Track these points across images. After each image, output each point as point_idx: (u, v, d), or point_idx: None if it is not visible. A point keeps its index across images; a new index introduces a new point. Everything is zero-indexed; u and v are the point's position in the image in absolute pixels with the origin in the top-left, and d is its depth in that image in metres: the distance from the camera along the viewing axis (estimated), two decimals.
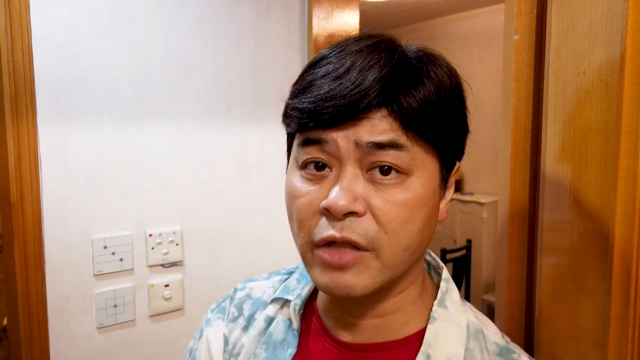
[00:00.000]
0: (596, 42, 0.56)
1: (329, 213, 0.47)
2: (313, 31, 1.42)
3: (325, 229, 0.48)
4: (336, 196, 0.46)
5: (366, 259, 0.48)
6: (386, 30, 0.53)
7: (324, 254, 0.48)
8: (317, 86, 0.48)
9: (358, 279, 0.48)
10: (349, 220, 0.47)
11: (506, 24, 0.72)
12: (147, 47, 1.22)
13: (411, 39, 0.53)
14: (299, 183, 0.51)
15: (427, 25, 4.43)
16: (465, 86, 0.53)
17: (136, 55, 1.20)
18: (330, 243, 0.48)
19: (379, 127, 0.47)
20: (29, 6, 1.05)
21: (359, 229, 0.47)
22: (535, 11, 0.69)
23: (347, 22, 1.46)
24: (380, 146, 0.47)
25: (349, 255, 0.47)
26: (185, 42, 1.27)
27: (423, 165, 0.49)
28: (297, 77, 0.53)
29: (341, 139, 0.47)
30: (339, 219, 0.47)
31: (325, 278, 0.49)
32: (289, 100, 0.52)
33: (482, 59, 3.96)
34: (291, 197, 0.51)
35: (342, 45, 0.50)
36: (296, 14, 1.45)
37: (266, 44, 1.40)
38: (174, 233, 1.28)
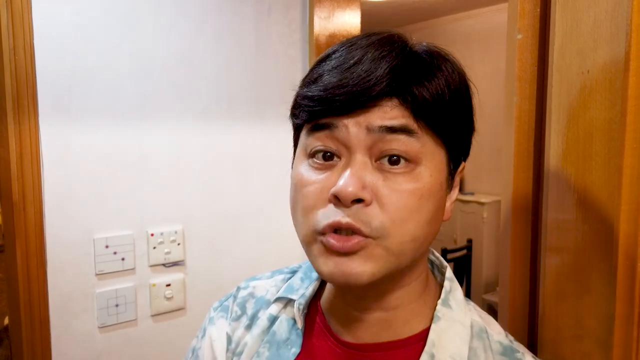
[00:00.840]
0: (601, 41, 0.56)
1: (337, 200, 0.46)
2: (314, 31, 1.42)
3: (332, 215, 0.47)
4: (345, 183, 0.46)
5: (371, 246, 0.47)
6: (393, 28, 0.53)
7: (329, 239, 0.47)
8: (328, 76, 0.48)
9: (365, 267, 0.47)
10: (355, 208, 0.46)
11: (510, 23, 0.72)
12: (149, 46, 1.22)
13: None
14: (307, 172, 0.50)
15: (427, 25, 4.43)
16: (470, 85, 0.53)
17: (137, 55, 1.20)
18: (335, 230, 0.47)
19: (390, 113, 0.47)
20: (31, 5, 1.05)
21: (364, 217, 0.46)
22: (538, 10, 0.69)
23: (349, 21, 1.46)
24: (392, 130, 0.46)
25: (354, 239, 0.46)
26: (186, 42, 1.27)
27: (432, 155, 0.49)
28: (306, 74, 0.53)
29: (352, 124, 0.47)
30: (347, 206, 0.46)
31: (329, 265, 0.47)
32: (299, 90, 0.52)
33: (483, 59, 3.96)
34: (298, 186, 0.50)
35: (352, 41, 0.50)
36: (297, 14, 1.45)
37: (267, 43, 1.40)
38: (176, 232, 1.28)
